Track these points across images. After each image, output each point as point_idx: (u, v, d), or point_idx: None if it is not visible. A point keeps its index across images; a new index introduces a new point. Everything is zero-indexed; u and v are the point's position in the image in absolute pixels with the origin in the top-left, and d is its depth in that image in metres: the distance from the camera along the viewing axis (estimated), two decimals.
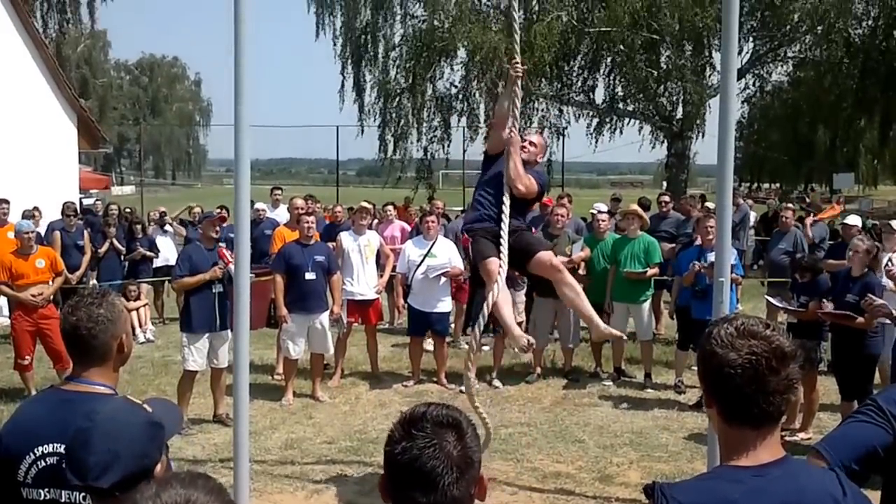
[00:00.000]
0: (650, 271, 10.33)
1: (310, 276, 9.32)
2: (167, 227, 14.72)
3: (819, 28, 23.70)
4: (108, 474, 2.18)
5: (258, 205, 13.95)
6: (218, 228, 8.87)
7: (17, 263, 9.49)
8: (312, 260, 9.37)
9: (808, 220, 13.07)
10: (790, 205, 13.55)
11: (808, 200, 23.43)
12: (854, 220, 11.15)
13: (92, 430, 2.29)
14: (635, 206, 11.35)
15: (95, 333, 2.83)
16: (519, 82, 6.19)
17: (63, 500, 2.67)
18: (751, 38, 24.93)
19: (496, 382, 10.23)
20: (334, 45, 26.94)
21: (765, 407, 2.00)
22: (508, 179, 6.20)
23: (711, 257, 7.85)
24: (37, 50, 16.17)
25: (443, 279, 10.20)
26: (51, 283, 9.64)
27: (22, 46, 15.78)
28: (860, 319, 7.43)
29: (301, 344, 9.43)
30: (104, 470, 2.18)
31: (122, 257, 13.73)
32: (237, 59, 5.14)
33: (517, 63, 6.20)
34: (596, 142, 26.56)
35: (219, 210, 12.04)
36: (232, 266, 7.88)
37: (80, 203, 17.85)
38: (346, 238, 10.54)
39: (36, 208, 13.74)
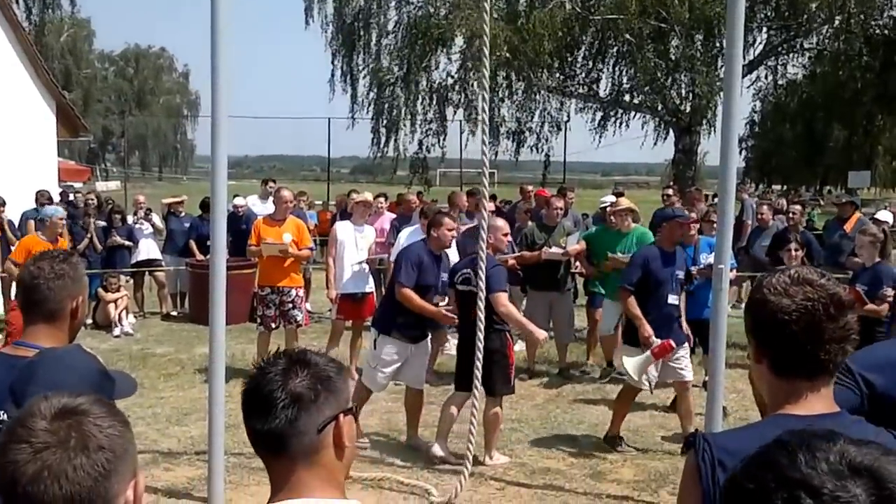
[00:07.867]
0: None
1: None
2: (145, 223, 13.59)
3: (837, 19, 22.56)
4: None
5: (237, 199, 13.35)
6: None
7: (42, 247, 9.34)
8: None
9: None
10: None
11: (822, 203, 22.65)
12: (886, 216, 10.51)
13: (38, 364, 2.43)
14: (625, 202, 9.92)
15: (53, 287, 2.75)
16: None
17: None
18: (764, 29, 23.75)
19: None
20: (324, 31, 25.74)
21: (821, 356, 1.92)
22: None
23: (705, 259, 8.18)
24: (14, 34, 15.26)
25: None
26: None
27: None
28: (871, 306, 7.04)
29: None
30: None
31: (96, 250, 12.93)
32: (214, 47, 5.11)
33: None
34: (600, 137, 25.45)
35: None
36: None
37: (62, 195, 17.49)
38: (345, 228, 9.62)
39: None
